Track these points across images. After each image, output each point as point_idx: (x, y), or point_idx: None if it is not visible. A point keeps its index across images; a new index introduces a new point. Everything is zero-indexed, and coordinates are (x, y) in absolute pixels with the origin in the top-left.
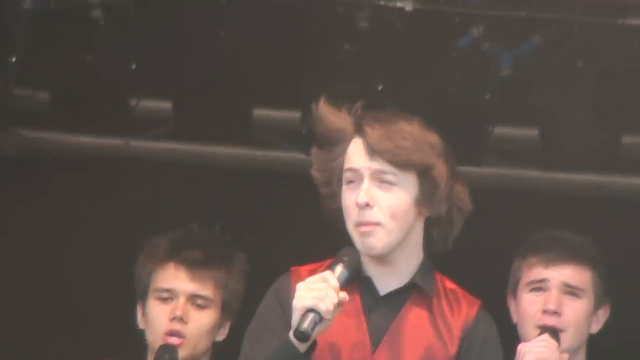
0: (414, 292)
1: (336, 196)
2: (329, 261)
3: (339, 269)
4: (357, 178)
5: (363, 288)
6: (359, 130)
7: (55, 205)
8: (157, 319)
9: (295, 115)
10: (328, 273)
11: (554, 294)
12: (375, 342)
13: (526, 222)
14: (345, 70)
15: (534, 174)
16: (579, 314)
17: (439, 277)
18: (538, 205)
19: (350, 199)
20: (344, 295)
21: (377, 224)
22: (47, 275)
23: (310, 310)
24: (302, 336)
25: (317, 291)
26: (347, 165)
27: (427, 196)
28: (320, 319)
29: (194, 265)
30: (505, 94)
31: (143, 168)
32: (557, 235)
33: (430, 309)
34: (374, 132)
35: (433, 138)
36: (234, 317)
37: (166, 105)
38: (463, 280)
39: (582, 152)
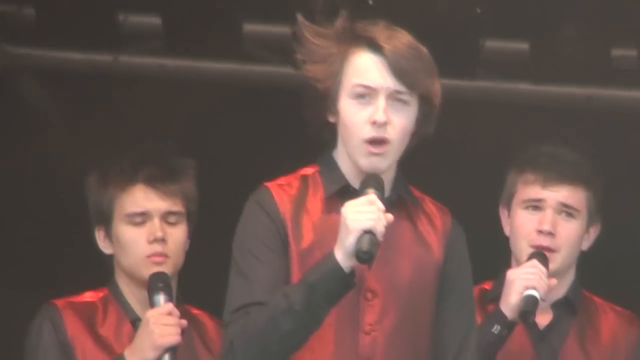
0: (395, 204)
1: (329, 108)
2: (298, 174)
3: (374, 192)
4: (370, 95)
5: (347, 200)
6: (371, 44)
7: (43, 122)
8: (134, 244)
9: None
10: (373, 197)
11: (549, 214)
12: None
13: (516, 135)
14: None
15: (524, 86)
16: (572, 234)
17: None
18: (528, 118)
19: (360, 114)
20: (390, 216)
21: (388, 142)
22: (25, 195)
23: (367, 232)
24: (365, 256)
25: (369, 213)
26: (360, 81)
27: (424, 117)
28: (376, 240)
29: (161, 183)
30: (495, 7)
31: (132, 83)
32: (554, 153)
33: (411, 219)
34: (392, 50)
35: (430, 58)
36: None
37: (155, 20)
38: (455, 193)
39: (572, 65)
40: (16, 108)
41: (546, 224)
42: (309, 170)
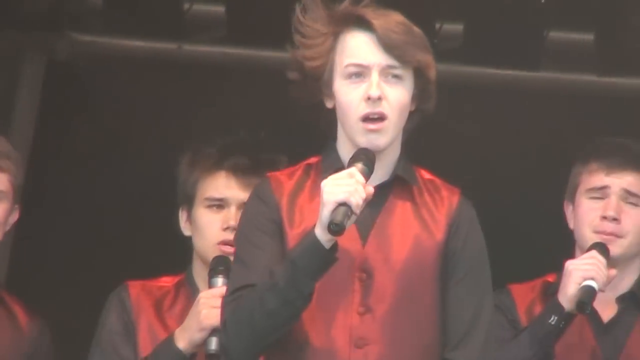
0: (395, 184)
1: (325, 93)
2: (302, 164)
3: (360, 165)
4: (364, 73)
5: None
6: (360, 23)
7: (107, 109)
8: (208, 228)
9: None
10: (353, 169)
11: (613, 200)
12: (364, 236)
13: (581, 127)
14: None
15: (589, 78)
16: (637, 221)
17: (415, 169)
18: (593, 109)
19: (354, 93)
20: (370, 189)
21: (385, 118)
22: (97, 179)
23: (342, 204)
24: (336, 228)
25: (346, 186)
26: (351, 60)
27: (420, 92)
28: (350, 213)
29: (243, 173)
30: None
31: (195, 72)
32: (618, 142)
33: (413, 200)
34: (380, 25)
35: (422, 34)
36: None
37: (219, 9)
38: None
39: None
40: (81, 95)
41: (610, 209)
42: (313, 160)
